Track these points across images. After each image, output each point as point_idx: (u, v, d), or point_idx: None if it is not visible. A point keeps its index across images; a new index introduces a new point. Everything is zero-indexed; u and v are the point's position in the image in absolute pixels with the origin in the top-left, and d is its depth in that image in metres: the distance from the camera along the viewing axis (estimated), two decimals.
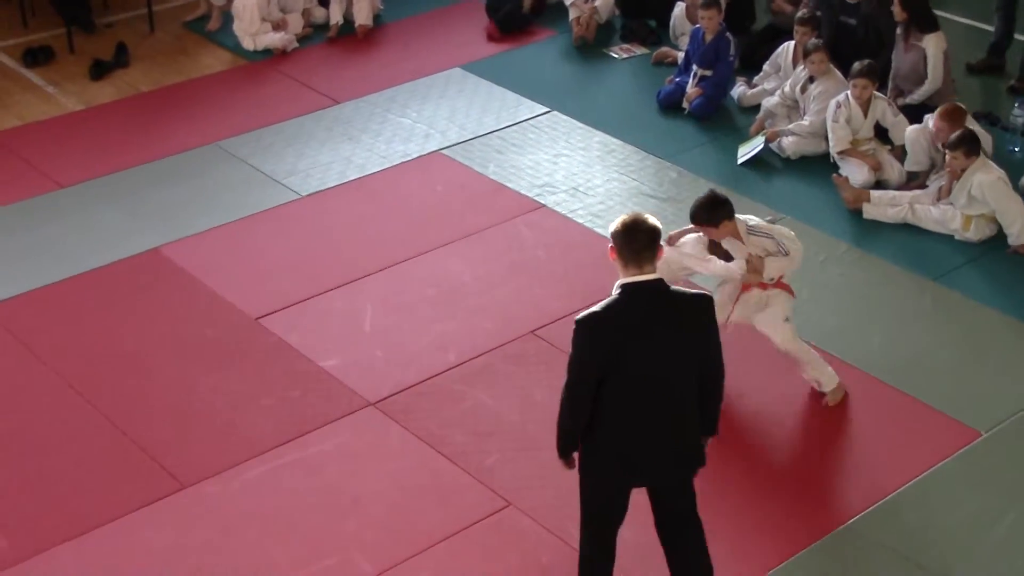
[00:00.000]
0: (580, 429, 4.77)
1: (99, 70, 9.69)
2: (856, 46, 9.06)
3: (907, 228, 7.85)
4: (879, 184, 8.21)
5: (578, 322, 4.63)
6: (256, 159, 8.59)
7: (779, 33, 9.56)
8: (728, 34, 9.16)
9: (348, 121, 9.10)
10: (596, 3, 10.30)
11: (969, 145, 7.53)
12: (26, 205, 8.06)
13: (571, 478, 5.95)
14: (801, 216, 7.98)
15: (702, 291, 4.90)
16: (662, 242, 4.76)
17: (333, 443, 6.17)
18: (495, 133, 8.94)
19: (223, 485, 5.91)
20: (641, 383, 4.66)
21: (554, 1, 10.69)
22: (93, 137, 8.88)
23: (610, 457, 4.78)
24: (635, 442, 4.74)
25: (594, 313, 4.62)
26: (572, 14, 10.32)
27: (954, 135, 7.61)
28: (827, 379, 6.42)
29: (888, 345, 6.86)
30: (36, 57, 9.87)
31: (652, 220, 4.66)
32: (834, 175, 8.17)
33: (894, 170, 8.26)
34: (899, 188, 8.14)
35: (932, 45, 8.61)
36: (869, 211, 7.94)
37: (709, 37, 9.11)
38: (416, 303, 7.19)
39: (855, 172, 8.21)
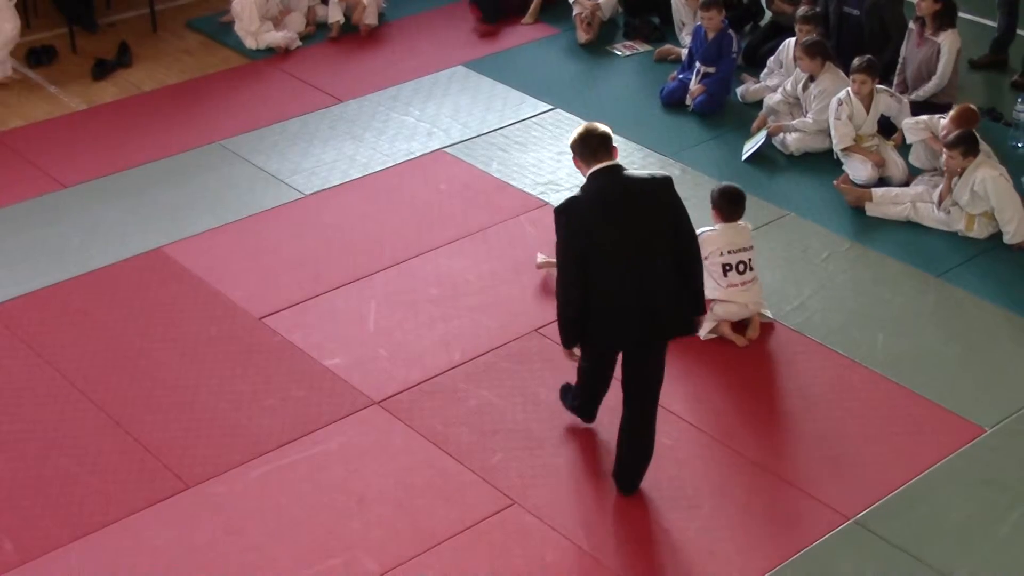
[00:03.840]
0: (579, 315, 5.38)
1: (102, 70, 9.70)
2: (860, 38, 9.06)
3: (910, 225, 7.85)
4: (883, 181, 8.20)
5: (556, 210, 5.38)
6: (259, 158, 8.59)
7: (781, 30, 9.56)
8: (730, 31, 9.16)
9: (351, 119, 9.10)
10: (599, 0, 10.30)
11: (967, 145, 7.54)
12: (29, 205, 8.07)
13: (575, 476, 5.98)
14: (805, 213, 7.98)
15: (663, 172, 5.71)
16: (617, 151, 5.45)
17: (337, 442, 6.18)
18: (498, 131, 8.94)
19: (228, 485, 5.92)
20: (617, 256, 5.32)
21: None
22: (96, 137, 8.89)
23: (597, 328, 5.42)
24: (617, 312, 5.37)
25: (569, 199, 5.39)
26: (575, 11, 10.32)
27: (953, 134, 7.61)
28: None
29: (891, 342, 6.86)
30: (39, 57, 9.88)
31: (603, 127, 5.45)
32: (835, 181, 8.16)
33: (898, 167, 8.25)
34: (902, 185, 8.14)
35: (948, 42, 8.60)
36: (872, 209, 7.94)
37: (712, 35, 9.11)
38: (420, 302, 7.19)
39: (859, 169, 8.20)
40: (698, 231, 5.72)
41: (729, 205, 6.81)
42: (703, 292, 5.65)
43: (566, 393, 6.28)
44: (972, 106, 7.92)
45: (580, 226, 5.32)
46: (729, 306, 6.81)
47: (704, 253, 6.45)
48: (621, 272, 5.34)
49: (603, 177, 5.39)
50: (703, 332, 6.77)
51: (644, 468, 5.83)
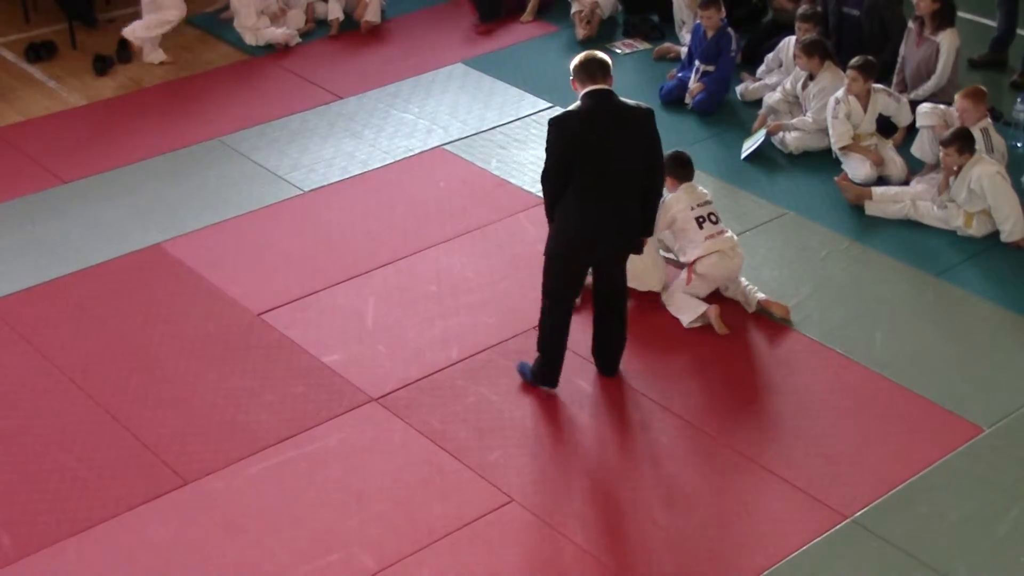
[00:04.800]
0: (560, 198, 6.03)
1: (101, 65, 9.70)
2: (860, 38, 9.06)
3: (909, 224, 7.85)
4: (881, 179, 8.21)
5: (550, 121, 5.98)
6: (258, 154, 8.59)
7: (781, 28, 9.55)
8: (729, 29, 9.16)
9: (350, 116, 9.10)
10: None
11: (962, 142, 7.55)
12: (29, 200, 8.07)
13: (573, 474, 5.98)
14: (804, 211, 7.98)
15: (646, 105, 6.12)
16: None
17: (336, 439, 6.17)
18: (497, 128, 8.94)
19: (226, 481, 5.91)
20: (596, 170, 5.93)
21: None
22: (95, 132, 8.89)
23: (569, 236, 6.05)
24: (590, 223, 6.00)
25: (563, 112, 6.01)
26: (574, 8, 10.32)
27: (948, 132, 7.63)
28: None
29: (890, 341, 6.86)
30: (38, 52, 9.87)
31: (603, 55, 6.03)
32: (836, 178, 8.17)
33: (897, 165, 8.26)
34: (901, 183, 8.14)
35: (947, 41, 8.60)
36: (871, 208, 7.94)
37: (710, 33, 9.10)
38: (418, 298, 7.19)
39: (857, 168, 8.21)
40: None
41: (683, 168, 7.10)
42: (654, 220, 6.28)
43: (524, 367, 6.54)
44: (980, 86, 7.96)
45: (570, 137, 5.91)
46: (712, 258, 6.94)
47: (673, 214, 7.00)
48: (601, 184, 5.97)
49: (596, 97, 5.96)
50: (687, 319, 6.97)
51: (621, 353, 6.54)
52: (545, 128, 6.03)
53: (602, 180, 5.98)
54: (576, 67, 6.04)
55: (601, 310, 6.43)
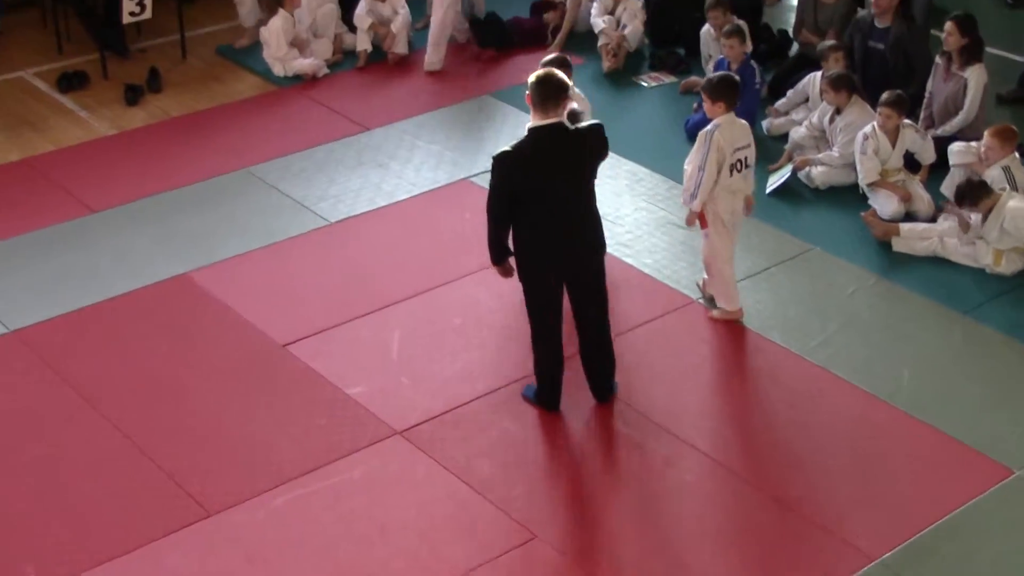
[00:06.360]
0: (504, 240, 6.14)
1: (132, 95, 9.77)
2: (885, 72, 9.05)
3: (937, 261, 7.81)
4: (909, 215, 8.17)
5: (494, 158, 6.00)
6: (286, 185, 8.63)
7: (808, 63, 9.55)
8: (752, 62, 9.16)
9: (378, 148, 9.13)
10: (626, 31, 10.33)
11: (975, 195, 7.58)
12: (58, 229, 8.11)
13: (597, 511, 5.95)
14: (830, 247, 7.95)
15: (597, 122, 6.23)
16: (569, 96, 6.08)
17: (359, 471, 6.17)
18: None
19: (249, 513, 5.91)
20: (548, 200, 6.02)
21: (584, 29, 10.72)
22: (125, 162, 8.94)
23: (535, 256, 6.15)
24: (551, 243, 6.10)
25: (505, 151, 6.00)
26: (601, 41, 10.34)
27: (959, 186, 7.65)
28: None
29: (917, 379, 6.82)
30: (70, 82, 9.95)
31: (561, 76, 5.98)
32: (863, 213, 8.14)
33: (924, 202, 8.22)
34: (928, 219, 8.11)
35: (975, 76, 8.57)
36: (899, 244, 7.91)
37: (734, 66, 9.11)
38: (443, 331, 7.19)
39: (885, 203, 8.18)
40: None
41: (732, 91, 6.86)
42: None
43: (529, 390, 6.60)
44: (1009, 125, 7.94)
45: (510, 175, 5.98)
46: (725, 194, 6.92)
47: (706, 162, 6.82)
48: (548, 214, 6.04)
49: (545, 135, 5.97)
50: (718, 311, 7.18)
51: (612, 373, 6.56)
52: None
53: (552, 207, 6.04)
54: (533, 86, 5.94)
55: (581, 332, 6.43)
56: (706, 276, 7.34)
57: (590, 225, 6.23)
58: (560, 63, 7.03)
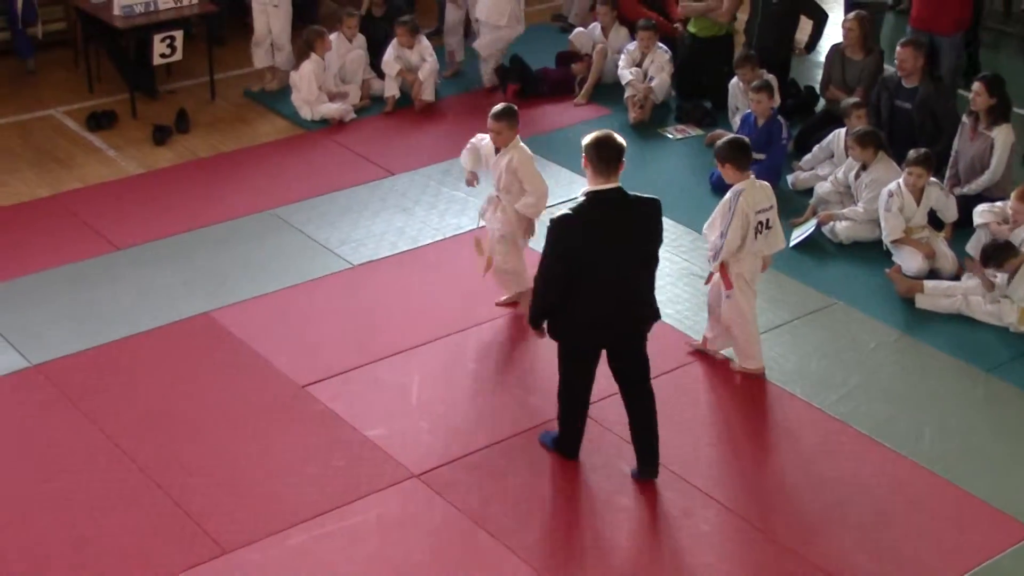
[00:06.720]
0: (552, 307, 5.95)
1: (160, 135, 9.86)
2: (911, 131, 9.06)
3: (960, 318, 7.78)
4: (933, 272, 8.15)
5: (551, 220, 5.83)
6: (310, 227, 8.67)
7: (834, 119, 9.57)
8: (780, 117, 9.19)
9: (402, 192, 9.18)
10: (652, 83, 10.39)
11: (1000, 256, 7.59)
12: (83, 266, 8.17)
13: (614, 559, 5.91)
14: (853, 302, 7.93)
15: (653, 196, 6.02)
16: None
17: (375, 514, 6.15)
18: (548, 209, 8.93)
19: (264, 552, 5.89)
20: (601, 269, 5.83)
21: (611, 80, 10.79)
22: (151, 201, 9.01)
23: (579, 326, 5.98)
24: (597, 314, 5.92)
25: (563, 215, 5.84)
26: (628, 92, 10.40)
27: (985, 247, 7.64)
28: None
29: (939, 436, 6.77)
30: (99, 121, 10.06)
31: (620, 139, 5.86)
32: (887, 270, 8.13)
33: (948, 259, 8.20)
34: (952, 277, 8.09)
35: (1002, 136, 8.58)
36: (922, 301, 7.88)
37: (761, 121, 9.14)
38: (463, 376, 7.18)
39: (909, 260, 8.16)
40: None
41: (744, 154, 6.84)
42: (655, 304, 6.16)
43: (546, 437, 6.56)
44: None
45: (567, 239, 5.83)
46: (749, 256, 6.94)
47: (747, 217, 6.77)
48: (600, 284, 5.88)
49: (604, 200, 5.85)
50: (743, 366, 7.20)
51: (657, 447, 6.35)
52: None
53: (603, 279, 5.87)
54: (591, 150, 5.84)
55: (627, 400, 6.29)
56: (708, 334, 7.33)
57: (642, 298, 6.06)
58: (509, 113, 7.20)
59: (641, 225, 5.94)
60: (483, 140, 7.59)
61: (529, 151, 7.48)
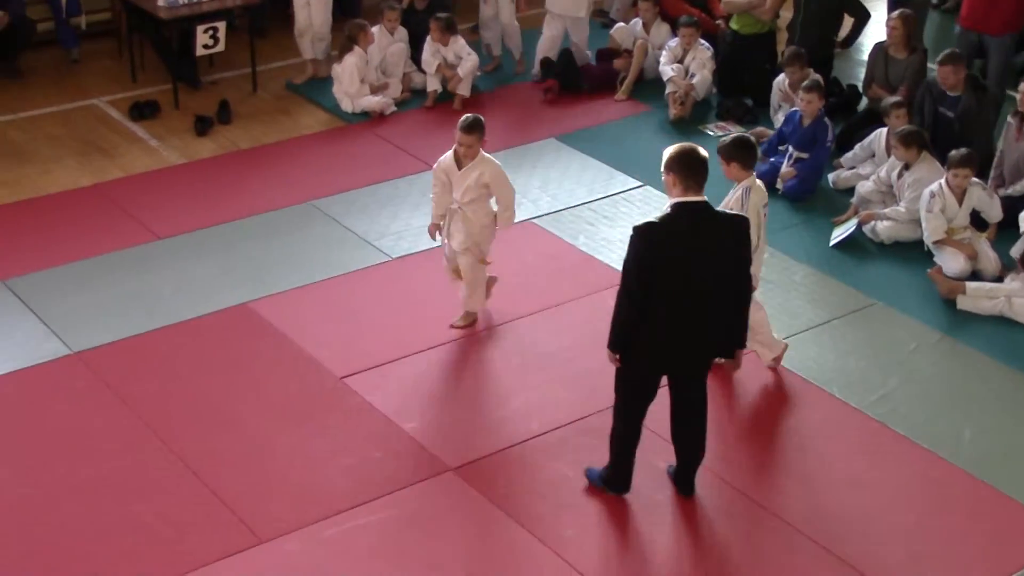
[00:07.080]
0: (634, 323, 5.60)
1: (202, 126, 9.92)
2: (953, 138, 8.99)
3: (1002, 320, 7.71)
4: (975, 274, 8.08)
5: (636, 228, 5.57)
6: (349, 219, 8.69)
7: (876, 118, 9.50)
8: (826, 119, 9.13)
9: None
10: (694, 80, 10.34)
11: None
12: (123, 255, 8.23)
13: (648, 554, 5.90)
14: (894, 303, 7.87)
15: (742, 214, 5.88)
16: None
17: (411, 506, 6.16)
18: (586, 205, 8.96)
19: (300, 543, 5.91)
20: (680, 286, 5.55)
21: (652, 76, 10.76)
22: (192, 191, 9.06)
23: (646, 349, 5.66)
24: (668, 337, 5.64)
25: (650, 223, 5.57)
26: (669, 89, 10.36)
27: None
28: None
29: (979, 439, 6.71)
30: (142, 111, 10.13)
31: (703, 151, 5.61)
32: (928, 271, 8.06)
33: (990, 260, 8.13)
34: (994, 278, 8.01)
35: None
36: (964, 302, 7.81)
37: (808, 121, 9.08)
38: (501, 371, 7.18)
39: (950, 261, 8.09)
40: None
41: (750, 152, 6.71)
42: (747, 328, 5.90)
43: (592, 473, 6.28)
44: None
45: (652, 251, 5.56)
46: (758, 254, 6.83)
47: (759, 212, 6.66)
48: (679, 304, 5.61)
49: (685, 211, 5.59)
50: (770, 357, 7.13)
51: (696, 471, 6.19)
52: (633, 205, 5.99)
53: (682, 298, 5.60)
54: (675, 162, 5.58)
55: (679, 427, 6.06)
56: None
57: (722, 321, 5.75)
58: (479, 125, 7.05)
59: (729, 241, 5.64)
60: (443, 163, 7.29)
61: (498, 162, 7.32)
